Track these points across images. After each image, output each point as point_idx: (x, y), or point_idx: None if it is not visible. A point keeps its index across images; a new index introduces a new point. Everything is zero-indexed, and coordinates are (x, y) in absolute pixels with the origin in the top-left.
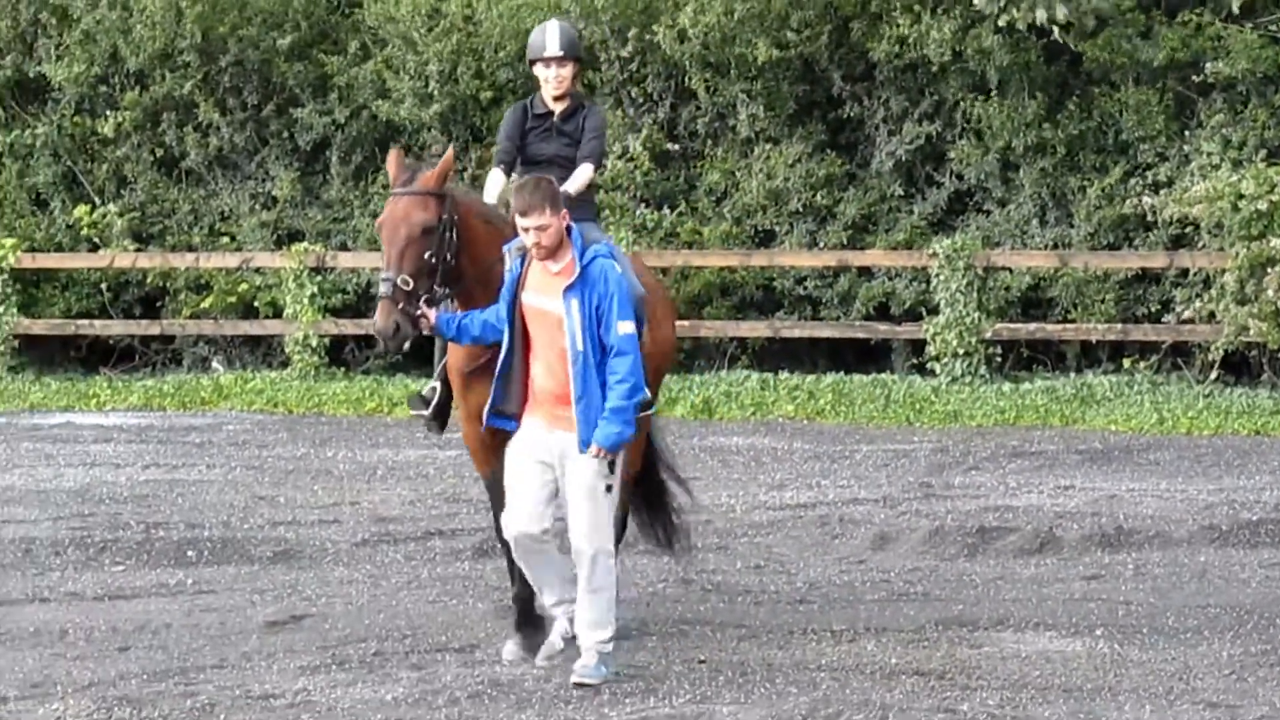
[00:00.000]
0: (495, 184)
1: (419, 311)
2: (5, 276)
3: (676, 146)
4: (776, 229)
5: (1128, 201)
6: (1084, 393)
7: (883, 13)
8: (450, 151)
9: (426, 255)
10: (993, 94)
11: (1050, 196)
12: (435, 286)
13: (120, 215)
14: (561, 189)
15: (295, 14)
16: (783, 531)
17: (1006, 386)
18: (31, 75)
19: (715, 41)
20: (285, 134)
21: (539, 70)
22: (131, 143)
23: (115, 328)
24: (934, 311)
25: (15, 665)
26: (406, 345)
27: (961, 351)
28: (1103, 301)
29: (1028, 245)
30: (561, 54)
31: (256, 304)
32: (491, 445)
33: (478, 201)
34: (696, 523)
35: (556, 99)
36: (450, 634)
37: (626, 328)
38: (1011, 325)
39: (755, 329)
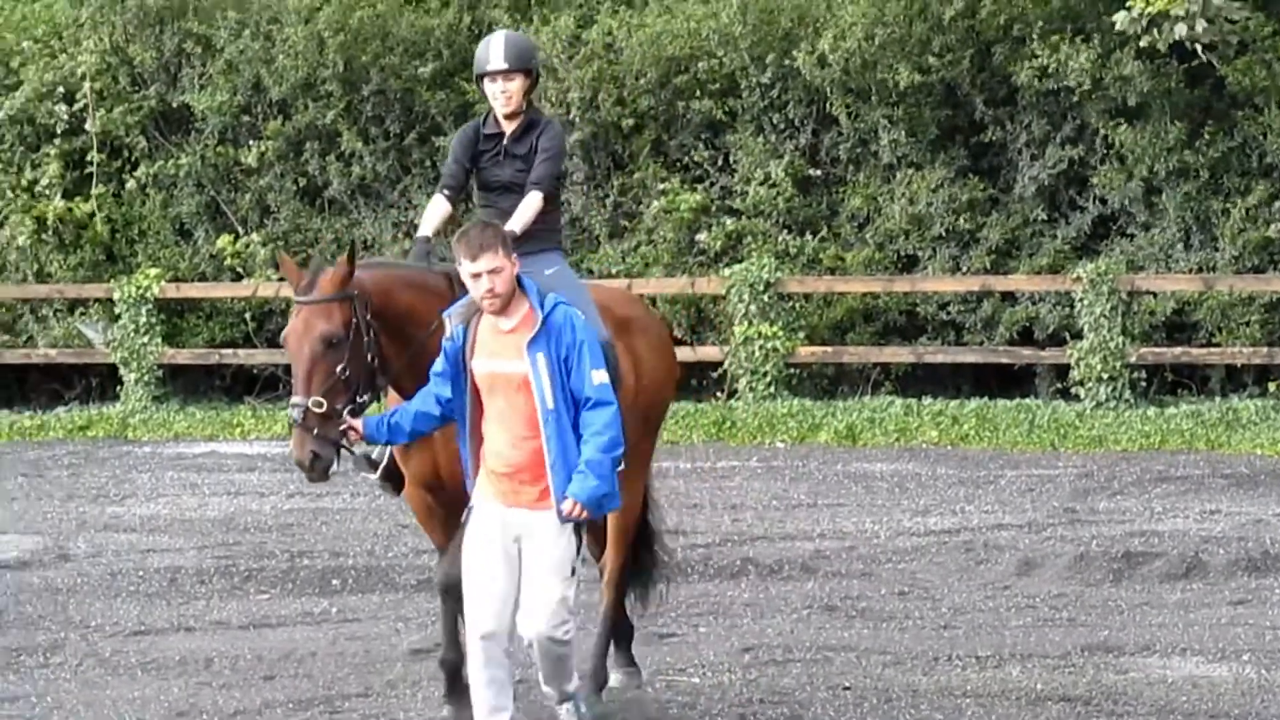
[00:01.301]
0: (434, 211)
1: (342, 426)
2: (149, 306)
3: (818, 172)
4: (919, 254)
5: (1272, 225)
6: (1229, 417)
7: (1024, 37)
8: (345, 255)
9: (338, 370)
10: (1134, 119)
11: (1194, 220)
12: (358, 398)
13: (263, 244)
14: (506, 227)
15: (437, 42)
16: (927, 557)
17: (1151, 411)
18: (175, 105)
19: (856, 67)
20: (427, 162)
21: (486, 86)
22: (274, 172)
23: (259, 357)
24: (1078, 336)
25: (161, 694)
26: (335, 468)
27: (1106, 376)
28: (1248, 325)
29: (1172, 269)
30: (507, 66)
31: None
32: (441, 514)
33: (399, 275)
34: (841, 549)
35: (507, 117)
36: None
37: (601, 376)
38: (1156, 349)
39: (898, 354)
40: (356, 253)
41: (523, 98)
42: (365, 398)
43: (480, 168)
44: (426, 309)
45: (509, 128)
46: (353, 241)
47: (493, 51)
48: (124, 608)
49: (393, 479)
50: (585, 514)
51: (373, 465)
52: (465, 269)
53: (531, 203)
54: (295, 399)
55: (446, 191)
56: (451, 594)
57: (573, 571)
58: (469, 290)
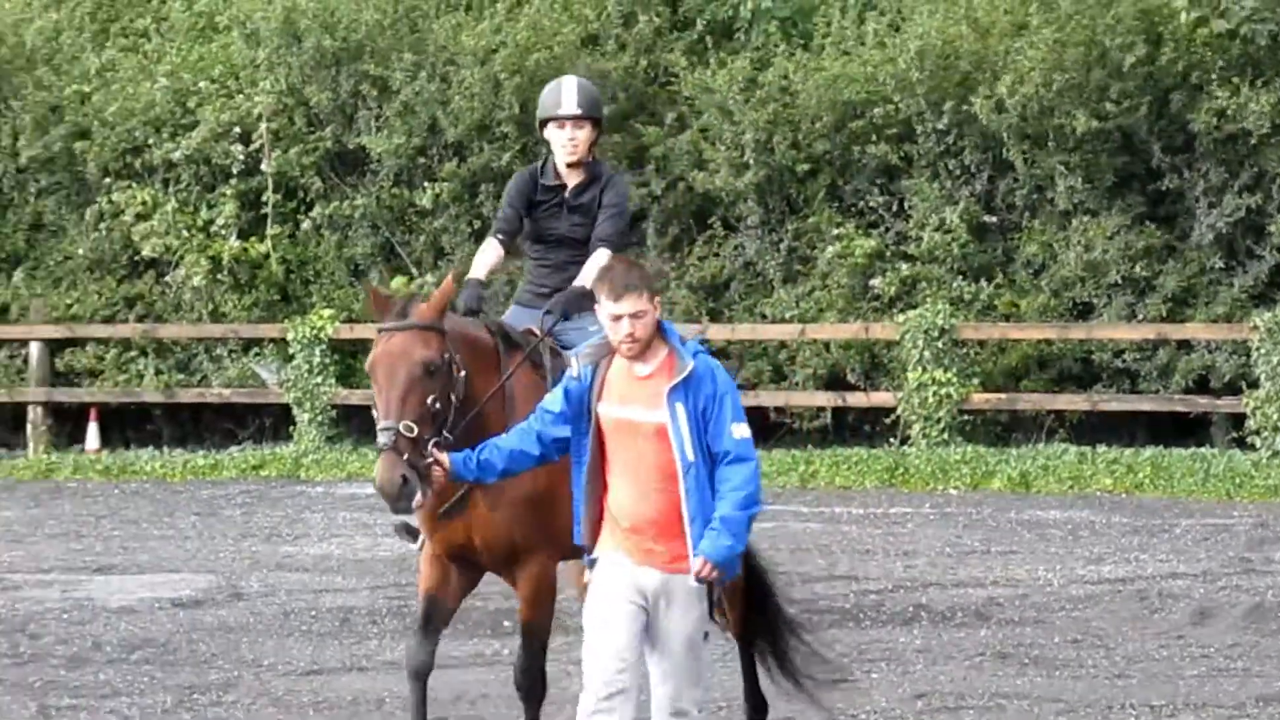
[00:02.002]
0: (487, 255)
1: (429, 459)
2: (323, 347)
3: (994, 218)
4: (1095, 301)
5: None
6: None
7: (1202, 84)
8: (450, 277)
9: (429, 400)
10: None
11: None
12: (444, 432)
13: (436, 286)
14: (576, 283)
15: (613, 85)
16: (1100, 606)
17: None
18: (351, 147)
19: (1033, 113)
20: None
21: (551, 132)
22: (449, 214)
23: None
24: (1254, 385)
25: None
26: (418, 501)
27: None
28: None
29: None
30: (579, 112)
31: None
32: (457, 587)
33: (469, 325)
34: (1014, 596)
35: (570, 166)
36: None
37: (742, 431)
38: None
39: (1073, 402)
40: (460, 279)
41: (589, 148)
42: (449, 436)
43: (535, 218)
44: (490, 361)
45: (571, 179)
46: (456, 271)
47: (565, 95)
48: (297, 647)
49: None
50: (716, 574)
51: (413, 534)
52: (605, 309)
53: (600, 259)
54: (385, 422)
55: (501, 236)
56: (421, 678)
57: (706, 636)
58: (607, 332)
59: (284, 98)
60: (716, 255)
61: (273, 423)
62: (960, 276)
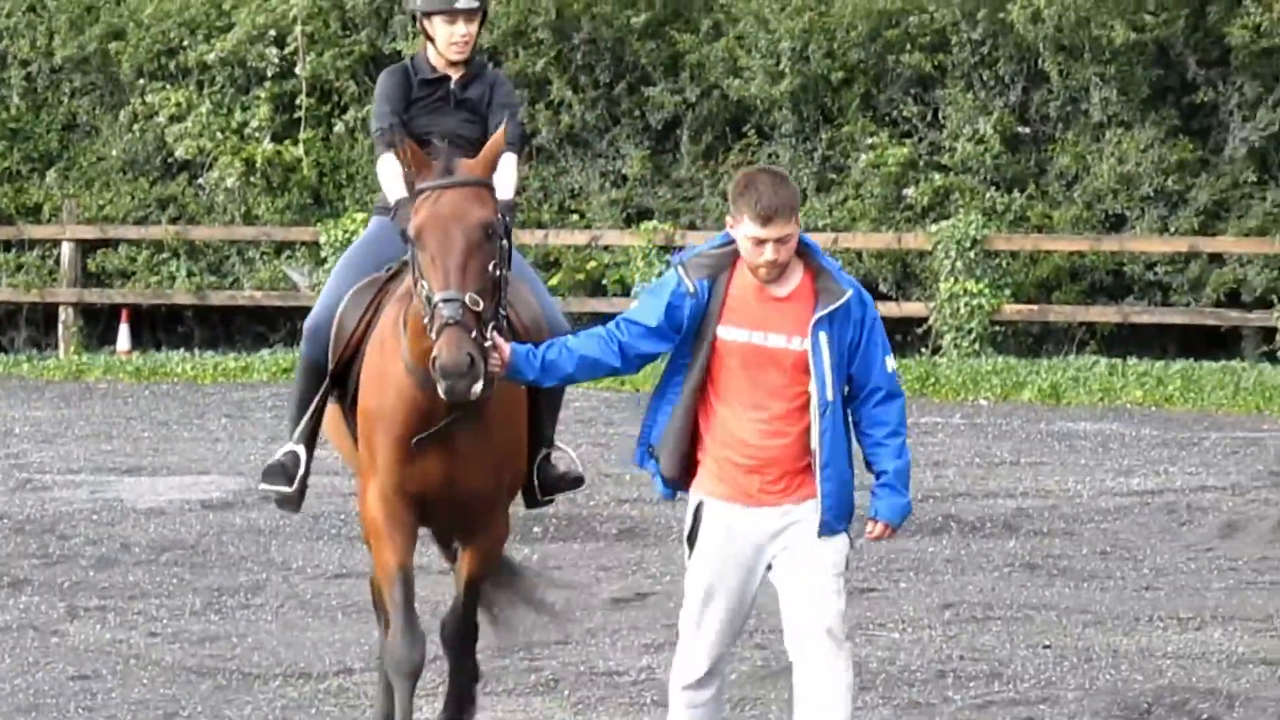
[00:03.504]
0: (395, 172)
1: (489, 343)
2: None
3: (1027, 130)
4: (1127, 213)
5: None
6: None
7: None
8: (501, 131)
9: (491, 266)
10: None
11: None
12: (499, 310)
13: None
14: (501, 196)
15: None
16: (1129, 518)
17: None
18: (386, 51)
19: (1070, 24)
20: (636, 112)
21: (438, 25)
22: None
23: None
24: None
25: (361, 637)
26: (477, 390)
27: None
28: None
29: None
30: (475, 5)
31: (605, 281)
32: (409, 525)
33: None
34: (1043, 507)
35: (456, 63)
36: None
37: (893, 363)
38: None
39: (1104, 314)
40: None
41: (475, 42)
42: (504, 315)
43: (412, 116)
44: None
45: (454, 74)
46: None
47: None
48: (325, 550)
49: (300, 493)
50: (892, 536)
51: (286, 475)
52: (746, 230)
53: (513, 166)
54: (448, 293)
55: (393, 148)
56: (414, 678)
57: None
58: (741, 251)
59: (319, 1)
60: (750, 163)
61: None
62: (993, 187)
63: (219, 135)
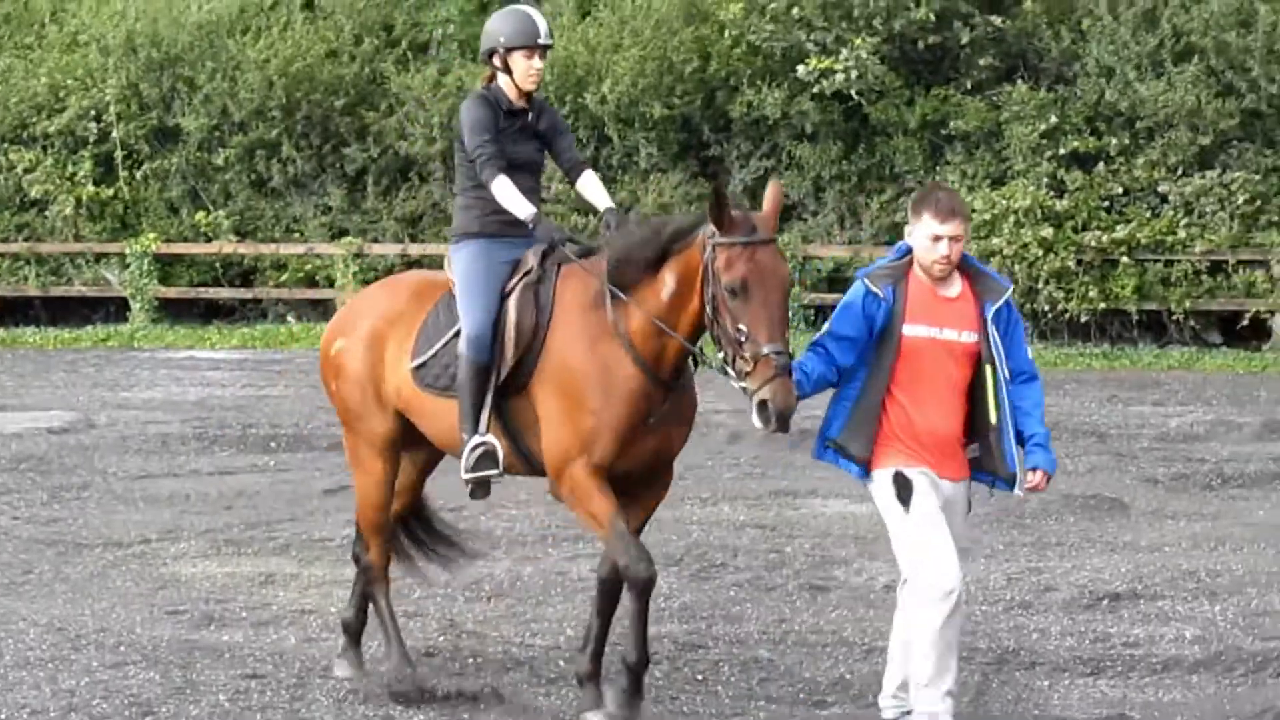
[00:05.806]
0: (515, 191)
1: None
2: (150, 259)
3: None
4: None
5: None
6: None
7: (737, 85)
8: (778, 185)
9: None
10: (809, 140)
11: (848, 209)
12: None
13: (227, 218)
14: (605, 207)
15: (346, 84)
16: None
17: None
18: (170, 124)
19: (625, 104)
20: (339, 165)
21: (518, 59)
22: (235, 170)
23: (224, 293)
24: None
25: (155, 518)
26: (772, 428)
27: None
28: None
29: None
30: (550, 42)
31: (317, 278)
32: (609, 485)
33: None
34: None
35: (527, 94)
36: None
37: (1030, 351)
38: None
39: None
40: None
41: None
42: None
43: (499, 144)
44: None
45: (519, 105)
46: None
47: (540, 25)
48: (131, 460)
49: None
50: (1049, 483)
51: (494, 460)
52: (927, 229)
53: (596, 180)
54: (776, 345)
55: (503, 168)
56: (650, 588)
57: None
58: (919, 251)
59: (125, 91)
60: (414, 199)
61: (115, 309)
62: (575, 213)
63: (58, 181)
